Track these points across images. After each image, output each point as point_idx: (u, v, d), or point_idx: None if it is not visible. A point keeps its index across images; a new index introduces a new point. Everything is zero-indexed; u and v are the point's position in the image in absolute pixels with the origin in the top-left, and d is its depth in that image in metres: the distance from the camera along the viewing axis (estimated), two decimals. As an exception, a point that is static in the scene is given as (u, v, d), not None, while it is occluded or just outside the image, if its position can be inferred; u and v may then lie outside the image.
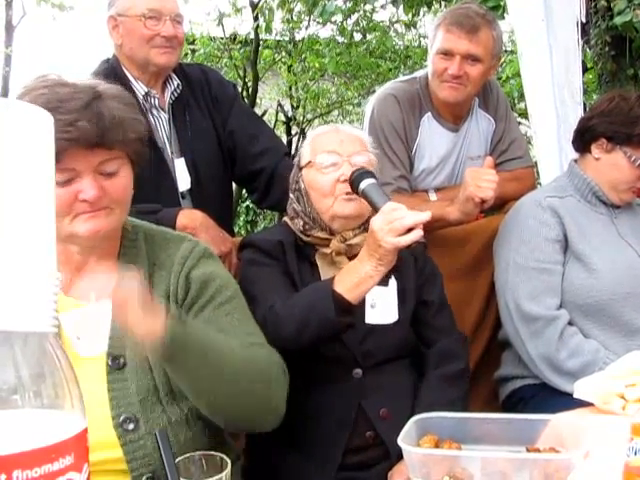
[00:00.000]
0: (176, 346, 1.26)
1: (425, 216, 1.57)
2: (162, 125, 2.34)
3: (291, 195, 1.94)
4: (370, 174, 1.75)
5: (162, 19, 2.24)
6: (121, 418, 1.36)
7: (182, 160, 2.33)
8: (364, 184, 1.72)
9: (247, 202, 9.14)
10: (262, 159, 2.40)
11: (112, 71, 2.30)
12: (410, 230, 1.55)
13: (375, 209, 1.67)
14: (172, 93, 2.35)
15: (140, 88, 2.30)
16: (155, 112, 2.33)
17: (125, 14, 2.26)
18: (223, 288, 1.51)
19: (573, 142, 2.30)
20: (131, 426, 1.36)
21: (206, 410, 1.40)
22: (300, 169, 1.90)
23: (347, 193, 1.80)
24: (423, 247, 1.94)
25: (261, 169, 2.41)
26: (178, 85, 2.36)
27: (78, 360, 1.39)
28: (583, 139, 2.23)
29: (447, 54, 2.41)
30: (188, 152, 2.34)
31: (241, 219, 9.50)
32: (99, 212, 1.36)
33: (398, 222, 1.55)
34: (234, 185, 2.73)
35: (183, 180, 2.33)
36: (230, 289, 1.53)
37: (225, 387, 1.37)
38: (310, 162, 1.87)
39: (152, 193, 2.12)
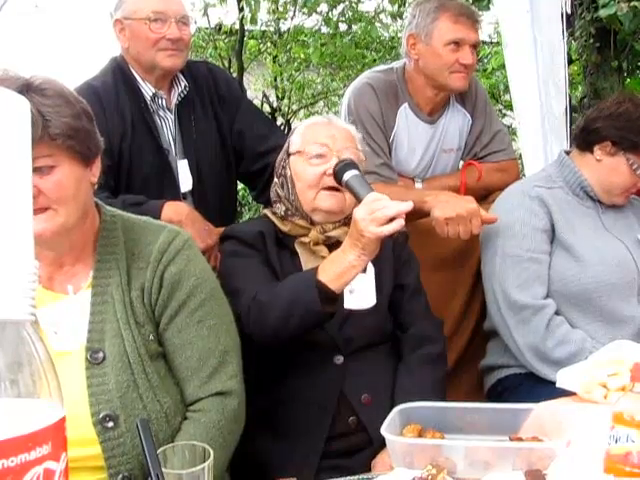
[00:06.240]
0: None
1: (406, 206, 1.58)
2: (168, 126, 2.34)
3: (276, 179, 1.94)
4: (354, 165, 1.76)
5: (167, 21, 2.23)
6: (100, 415, 1.34)
7: (185, 162, 2.34)
8: (347, 175, 1.73)
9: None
10: (269, 156, 2.37)
11: (120, 70, 2.31)
12: (392, 220, 1.56)
13: (358, 200, 1.68)
14: (179, 94, 2.35)
15: (148, 89, 2.30)
16: (162, 113, 2.33)
17: (131, 17, 2.25)
18: (197, 290, 1.50)
19: (575, 139, 2.28)
20: (110, 424, 1.34)
21: None
22: (289, 155, 1.90)
23: (331, 188, 1.80)
24: (405, 237, 1.95)
25: (266, 165, 2.39)
26: (185, 87, 2.36)
27: (54, 355, 1.37)
28: (587, 139, 2.21)
29: (458, 44, 2.42)
30: (191, 154, 2.35)
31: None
32: (39, 215, 1.31)
33: (380, 212, 1.57)
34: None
35: (185, 181, 2.34)
36: (205, 289, 1.51)
37: None
38: (300, 151, 1.87)
39: (155, 194, 2.15)
